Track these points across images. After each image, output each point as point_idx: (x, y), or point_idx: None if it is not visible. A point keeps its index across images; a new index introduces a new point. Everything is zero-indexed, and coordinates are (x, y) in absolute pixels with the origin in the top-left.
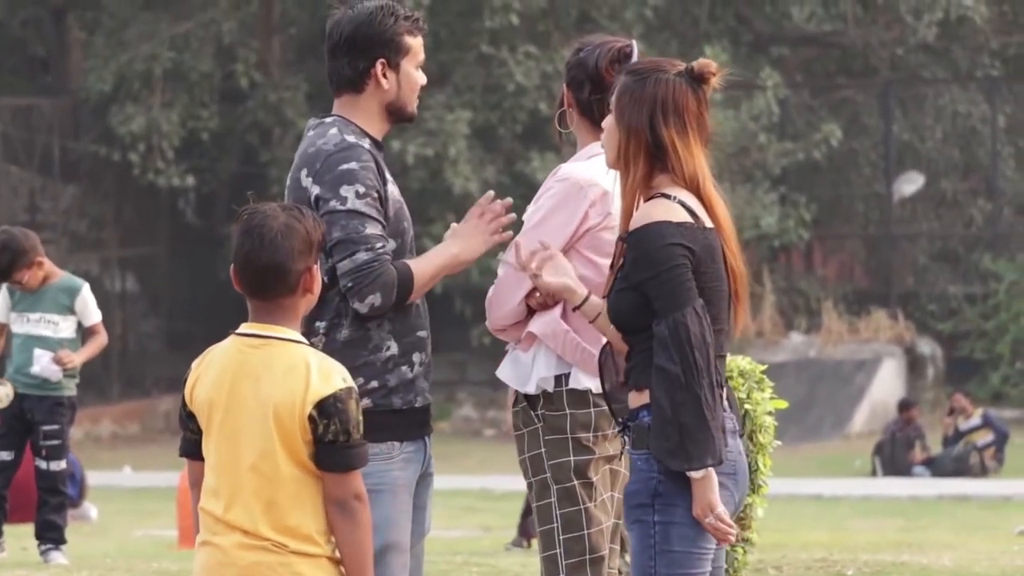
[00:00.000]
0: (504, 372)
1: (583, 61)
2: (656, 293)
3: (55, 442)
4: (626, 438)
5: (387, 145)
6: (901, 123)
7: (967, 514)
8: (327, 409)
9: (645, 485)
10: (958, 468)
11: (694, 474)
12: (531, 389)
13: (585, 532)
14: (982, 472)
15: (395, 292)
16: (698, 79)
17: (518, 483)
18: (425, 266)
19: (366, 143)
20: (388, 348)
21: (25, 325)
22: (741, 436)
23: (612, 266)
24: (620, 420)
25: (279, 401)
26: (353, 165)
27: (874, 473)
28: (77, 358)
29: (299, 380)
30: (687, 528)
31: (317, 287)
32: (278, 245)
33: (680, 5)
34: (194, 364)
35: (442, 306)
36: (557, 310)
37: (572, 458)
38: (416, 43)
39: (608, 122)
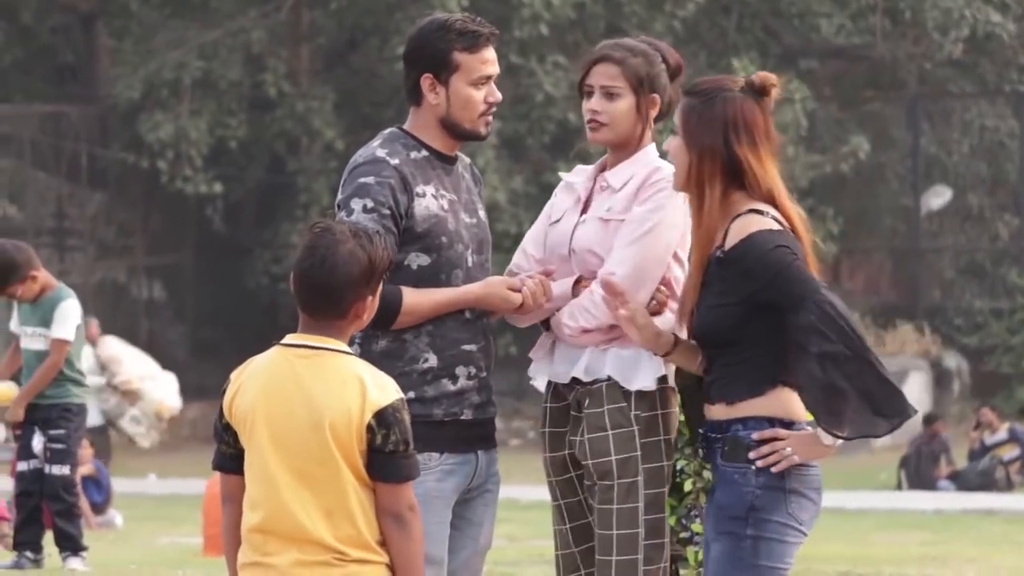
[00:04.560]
0: (611, 367)
1: None
2: (781, 293)
3: (59, 446)
4: (701, 450)
5: None
6: (929, 137)
7: (992, 528)
8: (386, 419)
9: (740, 499)
10: (983, 482)
11: (834, 441)
12: (650, 384)
13: (665, 540)
14: (1007, 486)
15: None
16: (760, 92)
17: (543, 493)
18: (427, 296)
19: (399, 158)
20: (426, 360)
21: (25, 339)
22: None
23: (682, 290)
24: (700, 432)
25: (335, 411)
26: (369, 179)
27: (899, 487)
28: (17, 410)
29: (355, 390)
30: (777, 544)
31: (369, 315)
32: (338, 271)
33: (708, 17)
34: (232, 376)
35: None
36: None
37: (665, 463)
38: (470, 59)
39: (675, 144)
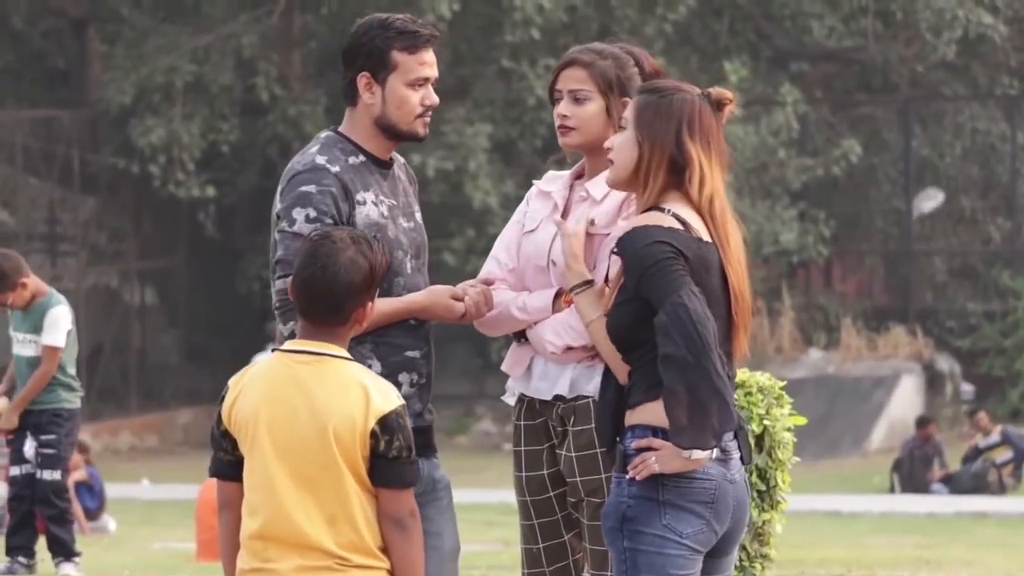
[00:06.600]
0: (596, 385)
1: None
2: (650, 288)
3: (50, 451)
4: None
5: (407, 158)
6: (920, 140)
7: (985, 531)
8: (390, 425)
9: (615, 508)
10: (976, 485)
11: (699, 454)
12: None
13: None
14: (1000, 489)
15: None
16: (715, 105)
17: None
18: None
19: (338, 166)
20: (369, 366)
21: (16, 345)
22: (745, 462)
23: (607, 280)
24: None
25: (339, 416)
26: (311, 188)
27: (892, 490)
28: (11, 417)
29: (358, 396)
30: (654, 555)
31: (368, 320)
32: (339, 279)
33: (700, 20)
34: (231, 382)
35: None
36: None
37: None
38: (409, 60)
39: (620, 139)
